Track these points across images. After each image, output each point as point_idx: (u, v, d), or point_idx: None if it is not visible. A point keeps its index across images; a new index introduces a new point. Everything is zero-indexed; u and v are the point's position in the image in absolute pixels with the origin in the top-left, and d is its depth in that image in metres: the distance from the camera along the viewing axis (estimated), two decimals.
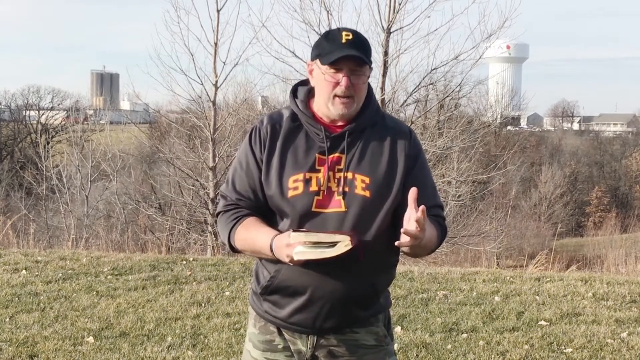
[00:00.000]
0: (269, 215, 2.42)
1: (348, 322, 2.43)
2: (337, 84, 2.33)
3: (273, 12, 22.12)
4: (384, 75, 13.93)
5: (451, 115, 18.57)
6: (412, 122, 15.19)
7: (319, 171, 2.36)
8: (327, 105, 2.37)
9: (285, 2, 14.28)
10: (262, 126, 2.44)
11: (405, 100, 15.42)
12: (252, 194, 2.42)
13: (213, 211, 14.73)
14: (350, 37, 2.33)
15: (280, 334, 2.48)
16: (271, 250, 2.28)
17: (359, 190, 2.34)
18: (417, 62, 14.55)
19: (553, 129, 75.88)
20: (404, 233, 2.12)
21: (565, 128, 79.95)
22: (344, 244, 2.14)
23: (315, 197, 2.34)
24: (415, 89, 14.91)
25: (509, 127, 50.94)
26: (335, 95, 2.34)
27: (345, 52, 2.30)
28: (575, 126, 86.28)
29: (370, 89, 2.47)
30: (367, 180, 2.34)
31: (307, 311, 2.39)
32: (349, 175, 2.36)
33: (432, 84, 15.68)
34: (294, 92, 2.49)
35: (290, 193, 2.34)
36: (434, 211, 2.41)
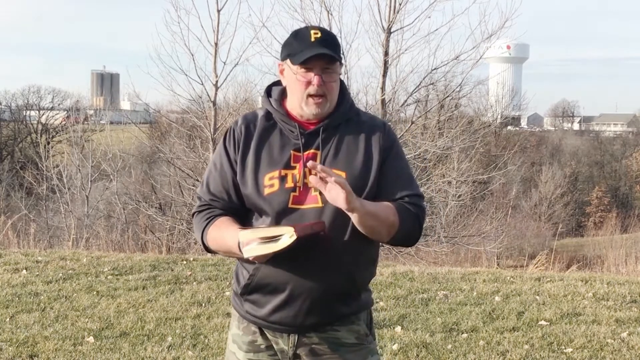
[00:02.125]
0: (247, 214, 2.43)
1: (329, 318, 2.43)
2: (309, 83, 2.34)
3: (273, 12, 22.10)
4: (384, 75, 13.94)
5: (451, 115, 18.57)
6: (412, 122, 15.17)
7: (294, 168, 2.37)
8: (300, 106, 2.38)
9: (286, 2, 14.31)
10: (237, 127, 2.45)
11: (406, 100, 15.42)
12: (225, 195, 2.43)
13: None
14: (319, 35, 2.34)
15: (262, 333, 2.48)
16: (239, 248, 2.27)
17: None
18: (417, 62, 14.53)
19: (553, 129, 75.78)
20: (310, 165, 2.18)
21: (565, 128, 79.86)
22: (288, 235, 2.13)
23: (292, 194, 2.34)
24: (415, 89, 14.92)
25: (509, 127, 50.90)
26: (309, 95, 2.36)
27: (316, 50, 2.30)
28: (576, 126, 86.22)
29: (343, 85, 2.47)
30: (343, 175, 2.33)
31: (288, 308, 2.39)
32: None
33: (432, 84, 15.69)
34: (268, 92, 2.51)
35: (267, 190, 2.35)
36: (409, 199, 2.38)
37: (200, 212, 2.47)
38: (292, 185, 2.35)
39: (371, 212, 2.26)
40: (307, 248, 2.26)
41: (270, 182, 2.35)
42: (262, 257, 2.21)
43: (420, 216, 2.40)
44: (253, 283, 2.41)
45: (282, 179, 2.35)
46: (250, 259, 2.22)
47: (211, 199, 2.45)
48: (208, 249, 2.45)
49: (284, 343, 2.45)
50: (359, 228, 2.30)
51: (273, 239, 2.16)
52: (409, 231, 2.38)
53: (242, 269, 2.47)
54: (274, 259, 2.26)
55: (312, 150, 2.38)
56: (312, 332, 2.43)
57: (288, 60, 2.37)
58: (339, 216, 2.31)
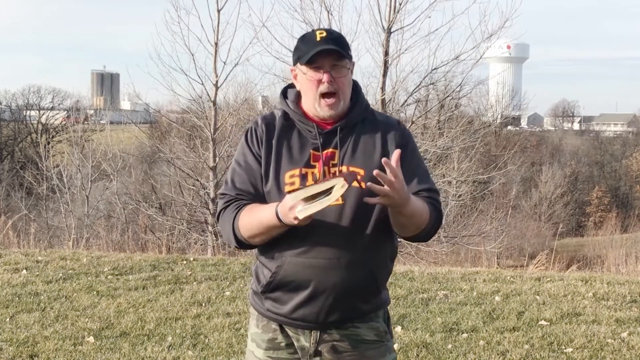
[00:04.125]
0: None
1: (351, 315, 2.45)
2: (319, 81, 2.37)
3: (273, 12, 22.16)
4: (385, 75, 13.94)
5: (452, 115, 18.57)
6: (412, 122, 15.17)
7: (314, 167, 2.40)
8: (314, 107, 2.42)
9: (286, 2, 14.36)
10: (257, 126, 2.49)
11: (406, 100, 15.43)
12: (252, 189, 2.44)
13: (213, 211, 14.73)
14: (324, 34, 2.38)
15: (282, 331, 2.49)
16: (278, 218, 2.26)
17: (354, 183, 2.36)
18: (417, 62, 14.54)
19: (553, 128, 75.84)
20: (376, 175, 2.14)
21: (565, 128, 79.95)
22: (339, 185, 2.13)
23: None
24: (415, 88, 14.92)
25: (509, 127, 50.91)
26: (321, 95, 2.39)
27: (321, 47, 2.34)
28: (576, 126, 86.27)
29: (357, 86, 2.51)
30: (361, 172, 2.37)
31: (311, 305, 2.40)
32: (344, 169, 2.40)
33: (432, 84, 15.69)
34: (284, 94, 2.54)
35: (287, 188, 2.36)
36: (428, 194, 2.43)
37: (227, 207, 2.45)
38: (312, 183, 2.36)
39: (412, 209, 2.28)
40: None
41: (291, 179, 2.38)
42: (312, 215, 2.18)
43: (441, 214, 2.47)
44: (276, 281, 2.42)
45: (303, 177, 2.38)
46: (307, 219, 2.17)
47: (238, 193, 2.45)
48: (239, 241, 2.42)
49: (305, 340, 2.47)
50: (390, 218, 2.33)
51: (324, 193, 2.15)
52: (432, 229, 2.43)
53: (262, 267, 2.48)
54: (297, 256, 2.31)
55: (330, 149, 2.42)
56: (333, 329, 2.45)
57: (298, 63, 2.41)
58: (361, 212, 2.35)
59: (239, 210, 2.41)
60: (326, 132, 2.43)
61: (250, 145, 2.48)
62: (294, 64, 2.45)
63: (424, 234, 2.43)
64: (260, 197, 2.43)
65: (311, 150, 2.42)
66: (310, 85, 2.39)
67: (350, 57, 2.41)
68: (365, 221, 2.37)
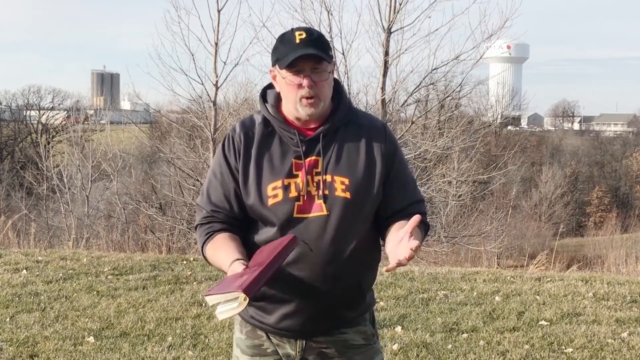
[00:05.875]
0: (250, 224, 2.39)
1: (337, 324, 2.42)
2: (299, 86, 2.29)
3: (273, 12, 22.19)
4: (385, 75, 13.93)
5: (452, 115, 18.55)
6: (412, 122, 15.16)
7: (297, 176, 2.32)
8: (295, 108, 2.33)
9: (286, 2, 14.34)
10: (235, 134, 2.40)
11: (406, 100, 15.41)
12: (227, 205, 2.38)
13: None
14: (304, 35, 2.29)
15: (268, 337, 2.45)
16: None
17: (339, 192, 2.31)
18: (417, 62, 14.50)
19: (553, 129, 75.81)
20: (398, 264, 2.09)
21: (565, 128, 79.90)
22: (242, 298, 2.03)
23: (296, 203, 2.30)
24: (415, 89, 14.90)
25: (509, 127, 50.91)
26: (301, 97, 2.31)
27: (300, 52, 2.25)
28: (576, 126, 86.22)
29: (339, 86, 2.44)
30: (346, 181, 2.32)
31: (297, 317, 2.37)
32: (328, 177, 2.32)
33: (432, 84, 15.67)
34: (263, 97, 2.44)
35: (270, 201, 2.31)
36: (417, 207, 2.41)
37: (201, 224, 2.42)
38: (296, 194, 2.31)
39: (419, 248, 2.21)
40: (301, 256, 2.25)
41: (274, 192, 2.31)
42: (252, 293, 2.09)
43: (428, 225, 2.46)
44: (260, 292, 2.36)
45: (286, 188, 2.31)
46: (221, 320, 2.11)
47: (212, 209, 2.39)
48: (209, 263, 2.44)
49: (290, 348, 2.43)
50: (391, 237, 2.28)
51: (232, 300, 2.07)
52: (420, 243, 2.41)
53: None
54: (279, 272, 2.21)
55: (313, 157, 2.34)
56: (320, 336, 2.42)
57: (277, 66, 2.33)
58: (346, 225, 2.30)
59: (208, 239, 2.38)
60: (308, 139, 2.34)
61: (227, 155, 2.39)
62: (273, 65, 2.35)
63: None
64: (234, 214, 2.38)
65: (293, 159, 2.33)
66: (290, 89, 2.31)
67: (330, 59, 2.32)
68: (351, 231, 2.32)
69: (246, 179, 2.35)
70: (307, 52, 2.26)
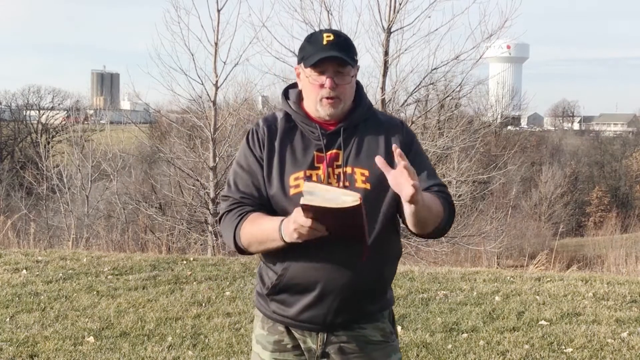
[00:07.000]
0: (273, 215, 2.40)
1: (357, 316, 2.44)
2: (321, 86, 2.36)
3: (273, 12, 22.19)
4: (384, 75, 13.94)
5: (451, 115, 18.58)
6: (412, 122, 15.18)
7: (318, 168, 2.38)
8: (316, 108, 2.40)
9: (286, 2, 14.33)
10: (259, 128, 2.47)
11: (406, 100, 15.43)
12: (255, 192, 2.41)
13: (214, 211, 14.74)
14: (332, 37, 2.35)
15: (289, 333, 2.47)
16: (281, 234, 2.23)
17: (359, 184, 2.36)
18: (417, 62, 14.52)
19: (553, 128, 75.79)
20: (405, 168, 2.11)
21: (565, 128, 79.86)
22: (353, 198, 2.08)
23: None
24: (415, 88, 14.92)
25: (509, 127, 50.92)
26: (322, 97, 2.37)
27: (326, 53, 2.32)
28: (576, 126, 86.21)
29: (360, 88, 2.49)
30: (366, 173, 2.36)
31: (318, 307, 2.38)
32: (348, 169, 2.38)
33: (432, 83, 15.69)
34: (285, 95, 2.53)
35: (292, 191, 2.35)
36: (438, 188, 2.41)
37: (230, 210, 2.42)
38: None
39: (427, 204, 2.25)
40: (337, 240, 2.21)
41: (296, 182, 2.36)
42: (316, 208, 2.07)
43: (454, 206, 2.45)
44: (281, 284, 2.40)
45: (308, 179, 2.35)
46: (306, 206, 2.07)
47: (242, 196, 2.41)
48: (238, 247, 2.40)
49: (312, 342, 2.45)
50: (409, 219, 2.28)
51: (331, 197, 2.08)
52: (448, 222, 2.41)
53: (267, 269, 2.45)
54: (304, 258, 2.27)
55: (334, 150, 2.40)
56: (340, 330, 2.44)
57: (302, 64, 2.39)
58: (369, 211, 2.31)
59: (242, 218, 2.38)
60: (329, 132, 2.41)
61: (252, 147, 2.45)
62: (298, 63, 2.43)
63: (442, 227, 2.39)
64: (263, 201, 2.41)
65: (315, 152, 2.39)
66: (312, 88, 2.38)
67: (355, 64, 2.38)
68: (374, 220, 2.35)
69: (270, 169, 2.40)
70: (332, 54, 2.32)
